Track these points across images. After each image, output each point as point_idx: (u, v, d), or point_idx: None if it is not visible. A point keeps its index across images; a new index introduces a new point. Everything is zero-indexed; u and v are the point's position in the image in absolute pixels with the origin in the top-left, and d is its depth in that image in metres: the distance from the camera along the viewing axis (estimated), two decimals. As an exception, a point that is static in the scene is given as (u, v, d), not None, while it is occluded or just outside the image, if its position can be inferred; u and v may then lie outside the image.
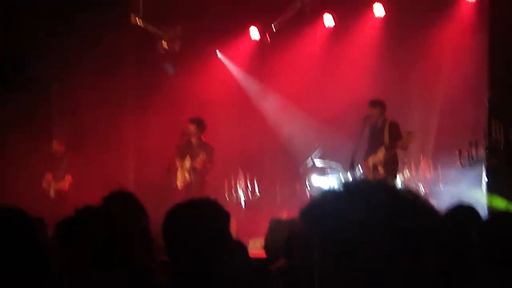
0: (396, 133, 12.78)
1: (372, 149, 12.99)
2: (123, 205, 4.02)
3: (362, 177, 12.89)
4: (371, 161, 12.90)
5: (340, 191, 1.65)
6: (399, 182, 13.40)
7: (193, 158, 13.46)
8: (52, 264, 3.73)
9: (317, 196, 1.69)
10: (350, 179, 11.94)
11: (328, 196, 1.66)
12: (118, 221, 3.74)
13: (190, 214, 3.63)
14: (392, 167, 12.82)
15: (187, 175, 13.52)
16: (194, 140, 13.64)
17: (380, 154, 12.76)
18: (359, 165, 13.08)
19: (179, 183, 13.62)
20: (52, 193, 14.45)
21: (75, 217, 5.45)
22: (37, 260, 3.61)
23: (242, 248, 5.99)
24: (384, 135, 12.82)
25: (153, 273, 3.77)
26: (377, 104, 12.98)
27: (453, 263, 1.62)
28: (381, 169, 12.70)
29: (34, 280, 3.56)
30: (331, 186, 1.68)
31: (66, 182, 14.43)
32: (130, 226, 3.71)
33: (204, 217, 3.60)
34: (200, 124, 13.63)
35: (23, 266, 3.53)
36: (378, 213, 1.58)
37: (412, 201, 1.63)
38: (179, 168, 13.67)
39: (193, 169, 13.44)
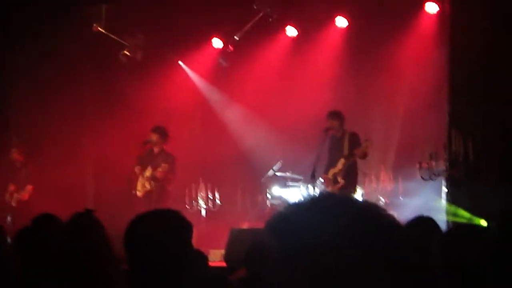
0: (355, 143, 12.83)
1: (332, 162, 13.03)
2: (83, 221, 3.99)
3: (323, 189, 12.94)
4: (331, 173, 12.94)
5: (306, 204, 1.65)
6: (359, 193, 13.46)
7: (154, 168, 13.39)
8: (10, 272, 3.71)
9: (283, 209, 1.68)
10: (312, 191, 11.99)
11: (294, 209, 1.66)
12: (78, 233, 3.74)
13: (152, 225, 3.61)
14: (351, 177, 12.88)
15: (147, 184, 13.45)
16: (156, 149, 13.58)
17: (340, 165, 12.81)
18: (320, 177, 13.12)
19: (139, 191, 13.54)
20: (13, 203, 14.28)
21: (34, 226, 5.43)
22: None
23: (202, 257, 5.97)
24: (344, 146, 12.87)
25: (114, 283, 3.74)
26: (336, 115, 13.02)
27: (414, 276, 1.62)
28: (341, 180, 12.75)
29: None
30: (297, 199, 1.68)
31: (27, 193, 14.27)
32: (90, 238, 3.71)
33: (166, 228, 3.57)
34: (162, 133, 13.58)
35: None
36: (343, 228, 1.58)
37: (376, 215, 1.63)
38: (139, 177, 13.60)
39: (153, 178, 13.37)
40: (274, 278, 1.58)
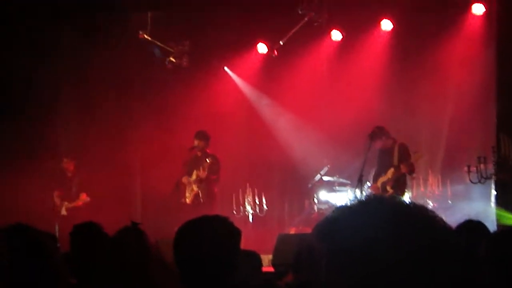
0: (405, 154, 12.67)
1: (381, 171, 12.90)
2: (130, 235, 4.05)
3: (371, 193, 12.85)
4: (380, 181, 12.82)
5: (354, 207, 1.64)
6: (407, 197, 13.35)
7: (198, 170, 13.50)
8: (62, 280, 3.77)
9: (331, 212, 1.68)
10: (359, 195, 11.92)
11: (342, 212, 1.65)
12: (124, 248, 3.81)
13: (200, 231, 3.63)
14: (400, 187, 12.74)
15: (194, 187, 13.54)
16: (199, 153, 13.69)
17: (389, 175, 12.69)
18: (368, 182, 13.04)
19: (188, 198, 13.62)
20: (63, 212, 14.38)
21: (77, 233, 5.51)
22: (47, 276, 3.65)
23: (256, 259, 5.97)
24: (394, 157, 12.73)
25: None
26: (378, 134, 12.79)
27: (462, 279, 1.61)
28: (390, 190, 12.64)
29: None
30: (345, 202, 1.67)
31: (81, 200, 14.39)
32: (136, 253, 3.77)
33: (215, 234, 3.60)
34: (204, 137, 13.69)
35: (35, 281, 3.57)
36: (391, 230, 1.57)
37: (425, 217, 1.62)
38: (187, 184, 13.68)
39: (199, 180, 13.46)
40: (322, 282, 1.58)
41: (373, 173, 13.16)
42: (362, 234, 1.57)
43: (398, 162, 12.61)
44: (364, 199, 1.66)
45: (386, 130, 12.87)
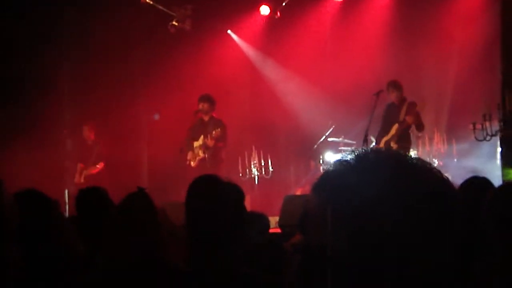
0: (412, 109, 12.60)
1: (385, 129, 12.85)
2: (136, 200, 4.10)
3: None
4: (383, 141, 12.77)
5: (352, 162, 1.63)
6: (412, 155, 13.34)
7: (205, 136, 13.40)
8: (70, 243, 3.83)
9: (328, 169, 1.66)
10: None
11: (340, 168, 1.64)
12: (130, 214, 3.88)
13: (213, 186, 3.70)
14: (404, 142, 12.70)
15: (200, 152, 13.47)
16: (206, 117, 13.57)
17: (393, 131, 12.67)
18: (373, 142, 13.03)
19: (193, 161, 13.58)
20: (82, 179, 14.42)
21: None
22: (54, 238, 3.72)
23: (264, 220, 6.02)
24: (401, 113, 12.68)
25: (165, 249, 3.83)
26: (397, 86, 12.76)
27: (467, 234, 1.61)
28: (394, 145, 12.61)
29: (55, 256, 3.66)
30: (342, 158, 1.65)
31: (97, 169, 14.43)
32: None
33: (225, 191, 3.67)
34: (210, 100, 13.53)
35: (43, 244, 3.65)
36: (392, 184, 1.56)
37: (426, 171, 1.61)
38: (193, 147, 13.63)
39: (206, 147, 13.39)
40: (324, 242, 1.58)
41: (378, 132, 13.16)
42: (358, 189, 1.56)
43: (405, 116, 12.56)
44: (362, 154, 1.65)
45: (401, 85, 12.81)
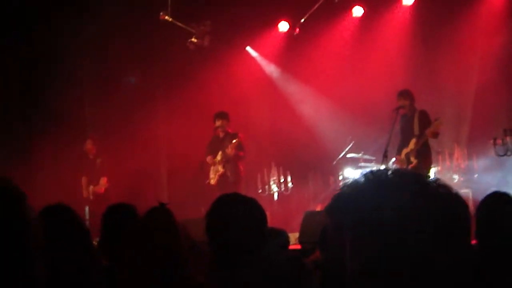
0: (425, 122, 12.54)
1: (404, 142, 12.78)
2: (158, 215, 4.11)
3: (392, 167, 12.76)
4: (404, 153, 12.72)
5: (367, 181, 1.63)
6: (433, 171, 13.26)
7: (223, 151, 13.43)
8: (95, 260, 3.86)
9: (344, 187, 1.67)
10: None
11: (355, 186, 1.64)
12: (153, 228, 3.90)
13: (235, 205, 3.71)
14: (424, 157, 12.61)
15: (220, 167, 13.48)
16: (221, 134, 13.61)
17: (412, 145, 12.60)
18: (393, 157, 12.98)
19: (213, 179, 13.59)
20: (90, 196, 14.43)
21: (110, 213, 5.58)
22: (86, 255, 3.76)
23: (283, 237, 6.00)
24: (414, 125, 12.62)
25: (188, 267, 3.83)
26: (406, 94, 12.75)
27: (488, 250, 1.61)
28: (413, 160, 12.54)
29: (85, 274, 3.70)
30: (358, 177, 1.66)
31: (102, 186, 14.40)
32: (163, 233, 3.85)
33: (247, 209, 3.67)
34: (225, 117, 13.62)
35: (75, 260, 3.69)
36: (406, 204, 1.56)
37: (441, 191, 1.61)
38: (211, 165, 13.63)
39: (226, 159, 13.40)
40: (343, 258, 1.58)
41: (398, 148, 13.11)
42: (371, 209, 1.56)
43: (420, 130, 12.50)
44: (377, 173, 1.65)
45: (413, 96, 12.74)
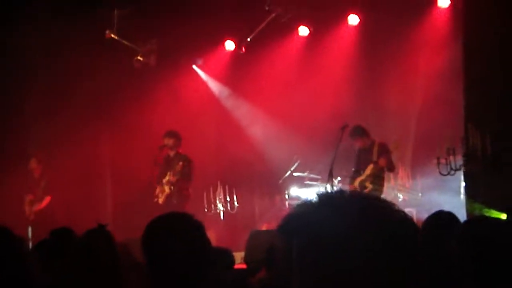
0: (384, 151, 12.64)
1: (359, 170, 12.85)
2: (95, 238, 4.08)
3: (339, 187, 12.84)
4: (357, 182, 12.75)
5: (316, 202, 1.64)
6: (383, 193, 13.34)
7: (171, 172, 13.34)
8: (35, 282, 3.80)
9: (294, 208, 1.68)
10: (328, 190, 11.92)
11: (305, 208, 1.65)
12: (90, 251, 3.85)
13: (168, 227, 3.61)
14: (379, 182, 12.68)
15: (167, 188, 13.39)
16: (172, 153, 13.50)
17: (368, 171, 12.64)
18: (338, 177, 13.05)
19: (160, 198, 13.47)
20: (31, 215, 14.25)
21: (52, 239, 5.51)
22: (22, 276, 3.69)
23: (229, 256, 5.97)
24: (373, 154, 12.69)
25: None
26: (359, 131, 12.80)
27: (435, 270, 1.62)
28: (368, 185, 12.60)
29: None
30: (308, 198, 1.67)
31: (44, 202, 14.23)
32: (100, 256, 3.80)
33: (182, 229, 3.57)
34: (176, 137, 13.50)
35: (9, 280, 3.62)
36: (354, 225, 1.58)
37: (388, 212, 1.62)
38: (158, 184, 13.51)
39: (171, 183, 13.30)
40: (291, 278, 1.58)
41: (343, 167, 13.18)
42: (322, 229, 1.58)
43: (378, 156, 12.59)
44: (326, 195, 1.67)
45: (366, 130, 12.86)
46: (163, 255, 3.53)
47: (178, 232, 3.57)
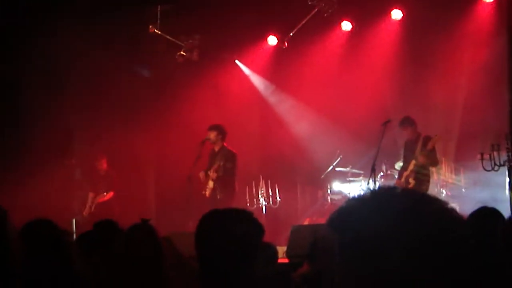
0: (426, 146, 12.57)
1: (405, 165, 12.85)
2: (139, 232, 4.12)
3: (387, 184, 12.77)
4: (404, 177, 12.72)
5: (365, 198, 1.64)
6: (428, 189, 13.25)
7: (213, 167, 13.28)
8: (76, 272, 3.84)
9: (343, 203, 1.68)
10: (372, 185, 11.89)
11: (355, 203, 1.66)
12: (132, 245, 3.89)
13: (225, 221, 3.62)
14: (422, 178, 12.62)
15: (211, 183, 13.32)
16: (216, 147, 13.44)
17: (411, 166, 12.62)
18: (380, 172, 13.01)
19: (207, 191, 13.36)
20: (92, 207, 14.70)
21: (95, 231, 5.58)
22: (63, 267, 3.74)
23: (272, 251, 5.98)
24: (417, 149, 12.67)
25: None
26: (410, 122, 12.79)
27: (480, 267, 1.61)
28: (411, 181, 12.56)
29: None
30: (358, 193, 1.68)
31: (107, 196, 14.70)
32: (143, 250, 3.84)
33: (239, 226, 3.58)
34: (220, 130, 13.41)
35: (50, 272, 3.67)
36: (403, 222, 1.57)
37: (438, 209, 1.62)
38: (203, 179, 13.44)
39: (213, 179, 13.26)
40: (335, 272, 1.58)
41: (385, 162, 13.15)
42: (371, 225, 1.58)
43: (420, 152, 12.56)
44: (375, 190, 1.66)
45: (415, 122, 12.85)
46: (215, 251, 3.55)
47: (234, 231, 3.58)
